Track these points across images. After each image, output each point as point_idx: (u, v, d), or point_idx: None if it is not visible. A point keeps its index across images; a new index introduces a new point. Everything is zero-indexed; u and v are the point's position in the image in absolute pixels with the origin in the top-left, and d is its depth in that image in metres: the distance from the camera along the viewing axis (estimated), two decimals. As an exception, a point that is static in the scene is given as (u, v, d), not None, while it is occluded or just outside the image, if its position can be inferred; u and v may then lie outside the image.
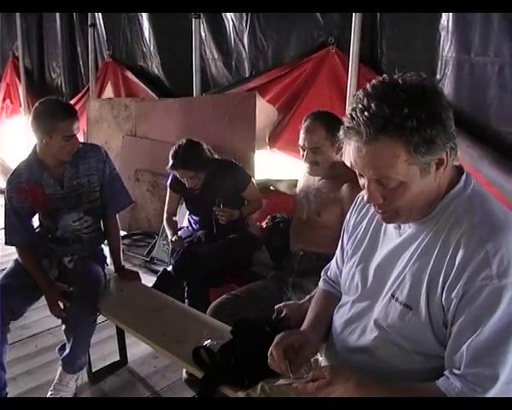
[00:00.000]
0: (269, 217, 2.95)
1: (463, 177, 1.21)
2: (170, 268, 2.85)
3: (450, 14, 2.69)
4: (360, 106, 1.09)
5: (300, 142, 2.41)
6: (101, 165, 2.58)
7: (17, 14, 6.38)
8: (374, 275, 1.32)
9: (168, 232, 3.11)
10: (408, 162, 1.10)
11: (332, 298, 1.56)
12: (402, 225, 1.27)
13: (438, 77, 2.83)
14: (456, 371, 1.10)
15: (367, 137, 1.09)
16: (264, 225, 2.95)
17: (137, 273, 2.77)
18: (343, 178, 2.39)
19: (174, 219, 3.23)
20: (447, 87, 2.78)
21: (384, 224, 1.34)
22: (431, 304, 1.15)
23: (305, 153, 2.39)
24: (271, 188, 3.26)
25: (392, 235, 1.31)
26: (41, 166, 2.48)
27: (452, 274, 1.11)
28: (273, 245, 2.81)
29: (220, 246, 2.87)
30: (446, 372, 1.12)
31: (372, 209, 1.35)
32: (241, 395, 1.55)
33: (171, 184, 3.14)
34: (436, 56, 2.83)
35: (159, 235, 4.29)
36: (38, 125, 2.37)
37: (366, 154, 1.11)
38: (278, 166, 3.91)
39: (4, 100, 7.17)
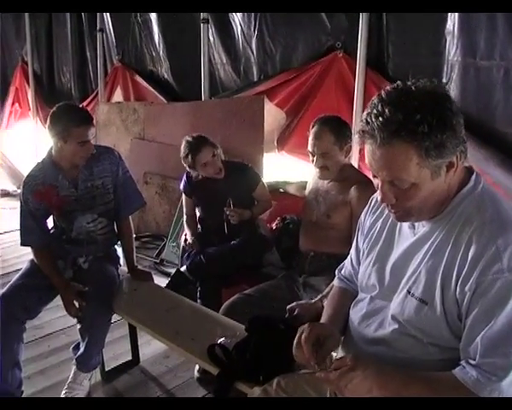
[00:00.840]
0: (278, 218, 3.00)
1: (473, 177, 1.26)
2: (183, 268, 2.89)
3: (456, 18, 2.73)
4: (375, 111, 1.15)
5: (309, 148, 2.44)
6: (114, 167, 2.63)
7: (26, 19, 6.46)
8: (390, 273, 1.37)
9: (188, 233, 3.17)
10: (419, 165, 1.15)
11: (347, 295, 1.61)
12: (416, 225, 1.32)
13: (444, 81, 2.87)
14: (471, 362, 1.14)
15: (381, 141, 1.14)
16: (274, 226, 3.01)
17: (150, 274, 2.83)
18: (351, 181, 2.43)
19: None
20: (453, 91, 2.82)
21: (399, 224, 1.40)
22: (445, 298, 1.20)
23: (315, 158, 2.43)
24: (280, 190, 3.31)
25: (406, 234, 1.36)
26: (56, 168, 2.53)
27: (465, 269, 1.16)
28: (283, 246, 2.86)
29: (232, 247, 2.91)
30: (462, 362, 1.17)
31: (386, 211, 1.41)
32: (257, 390, 1.59)
33: (184, 188, 3.19)
34: (442, 60, 2.88)
35: (168, 237, 4.35)
36: (54, 129, 2.42)
37: (380, 157, 1.17)
38: (286, 169, 3.96)
39: (13, 104, 7.25)
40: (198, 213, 3.22)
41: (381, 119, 1.13)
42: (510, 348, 1.11)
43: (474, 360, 1.14)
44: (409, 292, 1.28)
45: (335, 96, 3.52)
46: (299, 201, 2.91)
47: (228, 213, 2.89)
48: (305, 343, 1.37)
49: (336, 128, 2.40)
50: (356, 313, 1.48)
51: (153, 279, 2.80)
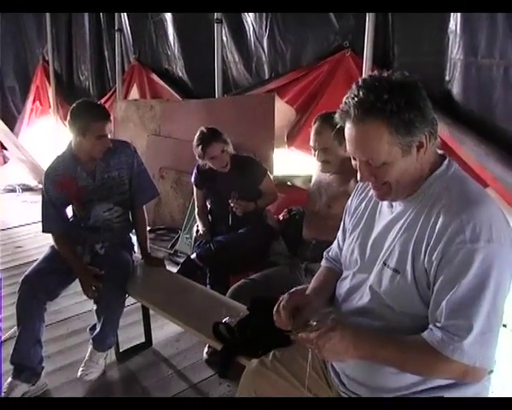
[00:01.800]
0: (285, 210, 3.12)
1: (446, 162, 1.39)
2: (193, 256, 3.03)
3: (458, 18, 2.81)
4: (352, 94, 1.32)
5: (311, 143, 2.57)
6: (130, 160, 2.79)
7: (47, 20, 6.69)
8: (371, 248, 1.51)
9: (199, 224, 3.33)
10: (389, 143, 1.30)
11: (332, 272, 1.75)
12: (394, 205, 1.46)
13: (447, 78, 2.95)
14: (437, 324, 1.27)
15: (355, 117, 1.30)
16: (281, 217, 3.14)
17: (162, 260, 2.99)
18: (352, 173, 2.52)
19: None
20: (456, 88, 2.90)
21: (379, 205, 1.54)
22: (416, 268, 1.33)
23: (317, 153, 2.56)
24: (288, 183, 3.43)
25: (385, 213, 1.50)
26: (75, 160, 2.69)
27: (432, 240, 1.29)
28: (289, 235, 2.98)
29: (240, 235, 3.06)
30: (430, 326, 1.30)
31: (370, 193, 1.56)
32: (254, 361, 1.73)
33: (195, 180, 3.35)
34: (445, 59, 2.95)
35: (182, 229, 4.50)
36: (74, 125, 2.58)
37: (355, 136, 1.33)
38: (295, 164, 4.08)
39: (34, 102, 7.49)
40: (208, 205, 3.37)
41: (356, 99, 1.30)
42: (471, 310, 1.22)
43: (440, 322, 1.26)
44: (385, 264, 1.41)
45: (343, 93, 3.57)
46: (305, 193, 3.03)
47: (232, 205, 3.04)
48: (283, 310, 1.51)
49: (335, 124, 2.51)
50: (341, 289, 1.61)
51: (165, 265, 2.96)
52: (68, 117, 2.61)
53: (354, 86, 1.33)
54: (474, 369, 1.25)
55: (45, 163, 6.57)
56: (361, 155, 1.36)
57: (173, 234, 4.79)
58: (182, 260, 4.03)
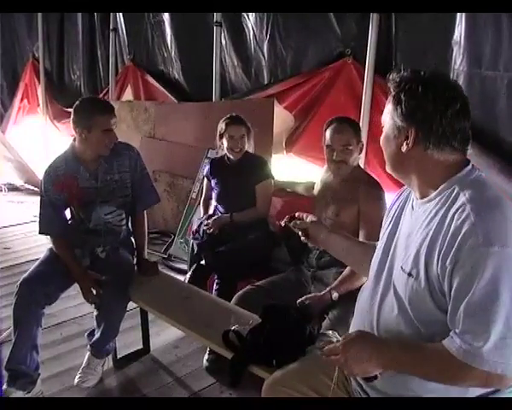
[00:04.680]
0: (287, 216, 3.09)
1: (468, 167, 1.36)
2: (203, 262, 3.02)
3: (463, 29, 2.83)
4: None
5: (328, 142, 2.52)
6: (133, 163, 2.73)
7: (39, 16, 6.56)
8: (393, 252, 1.50)
9: (202, 211, 3.42)
10: (394, 110, 1.38)
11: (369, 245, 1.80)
12: (414, 207, 1.46)
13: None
14: (456, 331, 1.26)
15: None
16: (282, 223, 3.10)
17: (156, 267, 2.91)
18: (360, 181, 2.53)
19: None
20: (458, 99, 2.92)
21: (404, 210, 1.53)
22: (429, 273, 1.31)
23: (335, 153, 2.50)
24: (288, 189, 3.41)
25: (407, 217, 1.50)
26: (77, 160, 2.62)
27: (446, 244, 1.27)
28: (291, 242, 2.95)
29: (244, 243, 3.00)
30: (450, 333, 1.28)
31: (399, 200, 1.58)
32: (270, 379, 1.71)
33: (207, 172, 3.38)
34: (448, 70, 2.95)
35: (176, 234, 4.45)
36: (79, 121, 2.52)
37: None
38: (294, 170, 4.07)
39: (22, 100, 7.35)
40: (213, 200, 3.37)
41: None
42: (489, 316, 1.20)
43: (458, 329, 1.25)
44: (401, 268, 1.40)
45: (343, 101, 3.62)
46: (306, 200, 3.02)
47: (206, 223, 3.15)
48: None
49: (354, 124, 2.56)
50: (362, 299, 1.60)
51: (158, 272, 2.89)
52: (72, 115, 2.55)
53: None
54: (498, 376, 1.23)
55: (32, 162, 6.51)
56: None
57: (166, 238, 4.74)
58: (176, 265, 4.07)
